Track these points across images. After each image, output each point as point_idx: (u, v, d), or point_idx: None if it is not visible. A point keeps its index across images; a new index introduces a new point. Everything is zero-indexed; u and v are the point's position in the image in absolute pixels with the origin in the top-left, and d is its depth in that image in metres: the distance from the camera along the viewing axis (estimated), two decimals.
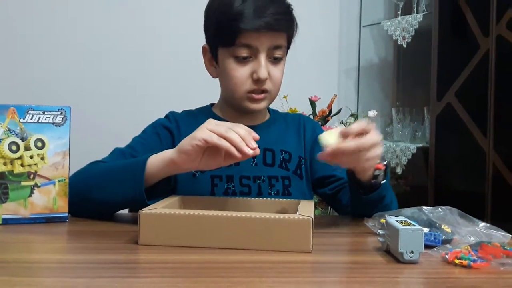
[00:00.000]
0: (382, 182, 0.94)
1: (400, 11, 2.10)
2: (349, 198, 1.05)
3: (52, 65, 2.12)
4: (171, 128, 1.08)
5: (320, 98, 2.06)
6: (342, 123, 2.06)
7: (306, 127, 1.15)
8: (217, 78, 1.10)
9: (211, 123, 0.85)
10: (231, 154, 0.82)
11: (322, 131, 1.19)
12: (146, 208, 0.76)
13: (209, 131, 0.83)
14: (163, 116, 1.13)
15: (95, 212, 0.94)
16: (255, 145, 0.82)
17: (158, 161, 0.89)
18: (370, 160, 0.85)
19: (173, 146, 1.05)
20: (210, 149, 0.84)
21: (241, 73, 1.01)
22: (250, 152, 0.81)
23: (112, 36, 2.16)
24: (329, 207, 1.99)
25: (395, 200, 1.04)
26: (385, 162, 0.93)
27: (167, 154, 0.89)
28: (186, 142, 0.85)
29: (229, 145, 0.81)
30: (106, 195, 0.91)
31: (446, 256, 0.69)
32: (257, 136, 0.84)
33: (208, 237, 0.73)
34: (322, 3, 2.33)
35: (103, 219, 0.93)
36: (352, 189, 0.97)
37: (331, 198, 1.13)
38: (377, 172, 0.92)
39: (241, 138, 0.81)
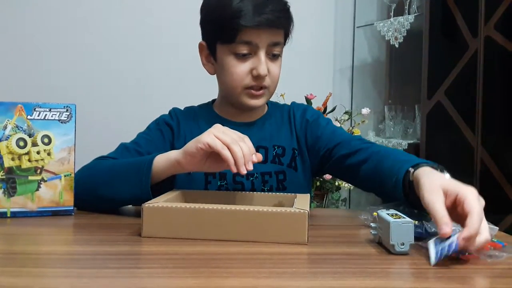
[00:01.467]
0: None
1: (392, 12, 2.12)
2: (356, 165, 0.98)
3: (58, 64, 2.13)
4: (172, 125, 1.09)
5: (315, 96, 2.07)
6: (337, 120, 2.09)
7: (296, 115, 1.13)
8: (215, 75, 1.09)
9: (218, 129, 0.86)
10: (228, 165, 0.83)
11: (313, 112, 1.14)
12: (149, 201, 0.77)
13: (215, 137, 0.84)
14: (166, 112, 1.14)
15: (101, 207, 0.95)
16: (251, 167, 0.83)
17: (163, 161, 0.90)
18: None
19: (173, 142, 1.06)
20: (214, 153, 0.85)
21: (241, 69, 1.00)
22: (244, 172, 0.83)
23: (117, 35, 2.16)
24: (324, 201, 2.02)
25: None
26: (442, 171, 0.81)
27: (173, 155, 0.90)
28: (192, 145, 0.86)
29: (230, 157, 0.82)
30: (113, 192, 0.92)
31: None
32: (255, 160, 0.84)
33: (208, 230, 0.74)
34: (317, 5, 2.34)
35: (108, 213, 0.94)
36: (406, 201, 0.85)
37: (333, 170, 1.09)
38: None
39: (242, 155, 0.82)
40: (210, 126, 0.89)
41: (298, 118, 1.12)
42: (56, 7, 2.14)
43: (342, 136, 1.07)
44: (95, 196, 0.94)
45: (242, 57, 1.00)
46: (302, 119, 1.12)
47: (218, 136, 0.84)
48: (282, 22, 1.01)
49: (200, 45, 1.08)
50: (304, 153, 1.11)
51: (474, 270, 0.64)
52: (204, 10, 1.06)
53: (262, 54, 1.00)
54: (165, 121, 1.10)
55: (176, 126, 1.09)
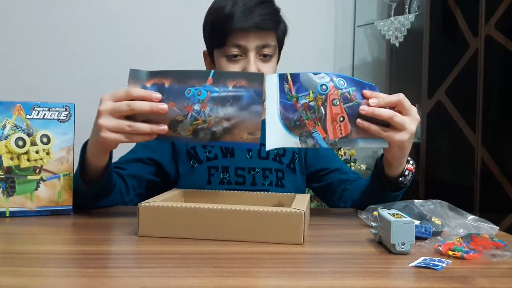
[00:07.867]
0: (406, 183, 0.97)
1: (392, 11, 2.12)
2: (347, 189, 1.09)
3: (57, 63, 2.12)
4: None
5: None
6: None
7: None
8: None
9: (103, 113, 0.87)
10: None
11: None
12: (146, 201, 0.77)
13: (108, 131, 0.84)
14: None
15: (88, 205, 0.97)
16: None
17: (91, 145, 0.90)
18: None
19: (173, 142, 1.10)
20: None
21: (233, 70, 1.06)
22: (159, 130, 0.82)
23: (117, 34, 2.16)
24: None
25: None
26: (413, 165, 0.97)
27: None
28: (96, 137, 0.86)
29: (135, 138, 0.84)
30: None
31: (440, 247, 0.70)
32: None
33: (203, 229, 0.74)
34: (318, 5, 2.34)
35: (106, 212, 0.95)
36: (376, 183, 0.99)
37: (325, 190, 1.17)
38: (406, 172, 0.96)
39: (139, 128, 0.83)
40: None
41: None
42: (56, 6, 2.13)
43: (341, 164, 1.21)
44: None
45: (234, 59, 1.07)
46: None
47: (108, 127, 0.85)
48: (270, 25, 1.06)
49: (204, 54, 1.16)
50: (302, 159, 1.18)
51: (480, 270, 0.64)
52: (204, 21, 1.13)
53: (251, 55, 1.05)
54: None
55: None
